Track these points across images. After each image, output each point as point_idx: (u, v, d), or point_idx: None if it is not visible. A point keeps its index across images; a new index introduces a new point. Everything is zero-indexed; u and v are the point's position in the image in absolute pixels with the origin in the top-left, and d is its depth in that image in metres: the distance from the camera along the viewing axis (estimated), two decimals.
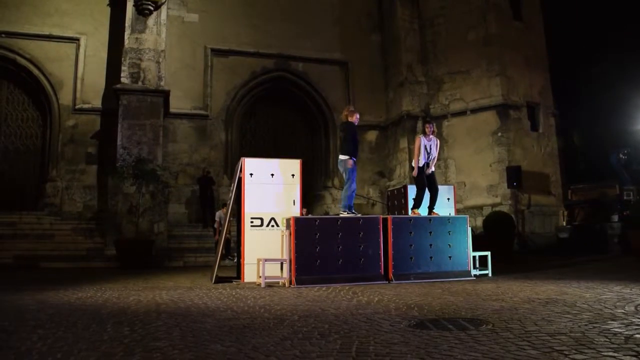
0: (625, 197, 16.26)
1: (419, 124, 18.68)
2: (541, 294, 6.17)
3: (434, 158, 9.93)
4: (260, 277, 8.12)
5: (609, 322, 4.22)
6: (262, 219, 9.15)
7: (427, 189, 9.79)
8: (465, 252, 9.10)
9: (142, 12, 15.87)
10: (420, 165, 9.76)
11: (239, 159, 9.68)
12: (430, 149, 9.85)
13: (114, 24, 17.05)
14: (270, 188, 9.28)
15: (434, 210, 9.77)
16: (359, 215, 9.16)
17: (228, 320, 4.75)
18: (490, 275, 9.20)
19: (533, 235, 16.60)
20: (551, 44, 19.31)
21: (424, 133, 10.12)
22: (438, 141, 10.10)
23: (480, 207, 17.28)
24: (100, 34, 17.30)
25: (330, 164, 19.35)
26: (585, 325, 4.11)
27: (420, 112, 18.82)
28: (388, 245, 8.59)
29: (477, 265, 9.51)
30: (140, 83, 15.61)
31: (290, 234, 8.19)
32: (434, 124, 10.48)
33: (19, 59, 16.82)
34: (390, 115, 19.80)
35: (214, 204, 16.89)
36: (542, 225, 17.06)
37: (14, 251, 13.78)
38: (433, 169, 9.99)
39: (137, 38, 15.85)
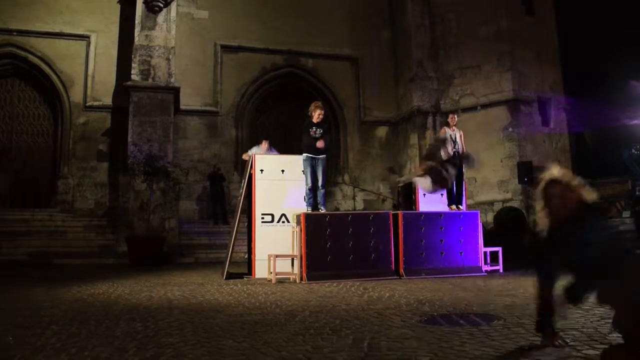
0: (637, 193, 16.12)
1: (429, 120, 18.63)
2: None
3: (463, 149, 9.88)
4: (271, 273, 8.14)
5: None
6: (272, 215, 9.16)
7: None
8: (476, 247, 9.09)
9: (152, 9, 15.93)
10: (450, 155, 9.70)
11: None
12: (455, 138, 9.82)
13: (124, 21, 17.11)
14: (280, 184, 9.29)
15: (459, 206, 9.72)
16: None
17: (240, 315, 4.76)
18: (501, 271, 9.17)
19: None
20: (563, 39, 19.16)
21: (447, 125, 10.08)
22: (461, 132, 10.04)
23: (491, 203, 17.21)
24: (111, 32, 17.38)
25: (341, 160, 19.35)
26: (598, 320, 4.09)
27: (431, 108, 18.75)
28: (399, 241, 8.59)
29: (488, 261, 9.49)
30: (150, 80, 15.67)
31: (300, 230, 8.20)
32: (457, 114, 10.43)
33: (30, 57, 16.92)
34: (401, 111, 19.75)
35: (225, 201, 16.97)
36: None
37: (27, 248, 13.93)
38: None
39: (147, 35, 15.91)
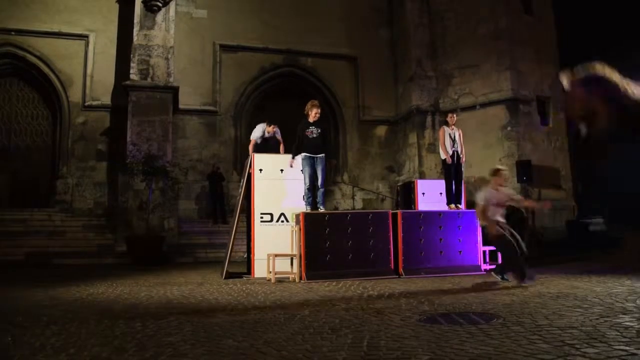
0: None
1: (429, 119, 18.63)
2: (552, 288, 6.15)
3: (462, 148, 9.95)
4: (270, 272, 8.14)
5: (621, 315, 4.21)
6: (271, 215, 9.17)
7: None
8: (476, 246, 9.11)
9: (151, 9, 15.89)
10: (450, 154, 9.78)
11: (249, 155, 9.71)
12: (454, 137, 9.87)
13: (123, 20, 17.07)
14: (279, 183, 9.30)
15: (458, 204, 9.77)
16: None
17: (239, 315, 4.77)
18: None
19: (543, 229, 16.52)
20: (562, 38, 19.14)
21: (446, 123, 10.15)
22: (461, 131, 10.10)
23: None
24: (109, 31, 17.34)
25: (340, 160, 19.33)
26: (597, 319, 4.10)
27: (430, 107, 18.74)
28: (398, 240, 8.60)
29: (487, 260, 9.49)
30: (149, 79, 15.64)
31: (300, 230, 8.20)
32: (456, 114, 10.55)
33: (28, 56, 16.87)
34: (400, 110, 19.75)
35: (224, 200, 16.95)
36: (553, 220, 16.98)
37: (27, 248, 13.88)
38: (463, 158, 10.01)
39: (145, 34, 15.88)
